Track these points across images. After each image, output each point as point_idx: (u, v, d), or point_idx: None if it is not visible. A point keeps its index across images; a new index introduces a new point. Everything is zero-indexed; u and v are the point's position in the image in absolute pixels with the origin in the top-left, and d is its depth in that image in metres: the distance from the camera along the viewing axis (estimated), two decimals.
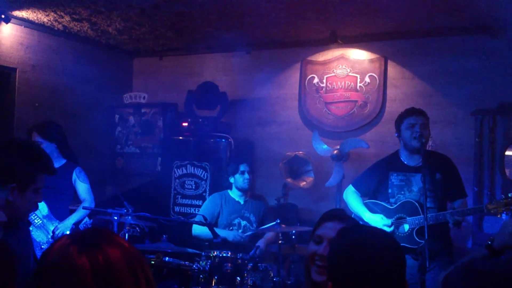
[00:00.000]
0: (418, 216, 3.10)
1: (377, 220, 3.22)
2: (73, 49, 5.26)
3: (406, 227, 3.15)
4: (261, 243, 3.91)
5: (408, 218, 3.16)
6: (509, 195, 2.87)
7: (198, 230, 4.01)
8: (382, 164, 3.41)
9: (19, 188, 1.90)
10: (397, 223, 3.19)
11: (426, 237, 2.84)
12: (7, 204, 1.89)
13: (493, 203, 2.92)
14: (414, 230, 3.11)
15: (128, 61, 6.17)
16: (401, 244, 3.00)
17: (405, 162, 3.29)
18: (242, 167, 4.14)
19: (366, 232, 1.40)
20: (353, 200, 3.44)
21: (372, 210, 3.32)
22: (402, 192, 3.25)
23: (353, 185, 3.50)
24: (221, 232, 3.87)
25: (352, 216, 3.00)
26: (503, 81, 4.40)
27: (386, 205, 3.27)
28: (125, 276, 1.01)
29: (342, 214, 1.79)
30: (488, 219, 4.35)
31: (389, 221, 3.19)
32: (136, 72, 6.24)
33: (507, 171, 4.47)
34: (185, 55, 5.84)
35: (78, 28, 4.96)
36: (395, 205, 3.23)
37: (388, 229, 3.17)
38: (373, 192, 3.43)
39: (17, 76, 4.65)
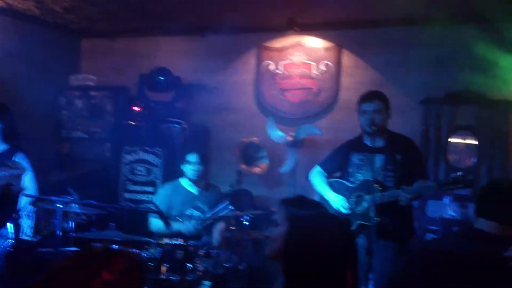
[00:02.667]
0: (374, 194, 3.15)
1: (336, 201, 3.30)
2: (17, 27, 4.95)
3: (365, 204, 3.21)
4: (214, 236, 3.84)
5: (365, 196, 3.22)
6: (458, 173, 3.00)
7: (156, 226, 3.87)
8: (346, 145, 3.50)
9: None
10: (358, 201, 3.26)
11: (375, 216, 2.94)
12: None
13: (442, 182, 3.04)
14: (371, 208, 3.14)
15: (76, 41, 5.89)
16: (359, 221, 3.14)
17: (366, 143, 3.36)
18: (189, 157, 3.97)
19: (317, 221, 1.38)
20: (316, 180, 3.51)
21: (335, 189, 3.38)
22: (361, 171, 3.31)
23: (319, 165, 3.58)
24: (176, 226, 3.76)
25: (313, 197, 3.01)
26: (450, 71, 4.53)
27: (348, 184, 3.35)
28: None
29: (298, 200, 1.77)
30: (431, 203, 4.49)
31: (347, 204, 3.26)
32: (84, 53, 5.97)
33: (450, 158, 4.65)
34: (138, 37, 5.64)
35: (23, 6, 4.70)
36: (356, 184, 3.31)
37: (345, 211, 3.24)
38: (338, 172, 3.52)
39: None
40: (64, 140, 5.61)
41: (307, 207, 1.70)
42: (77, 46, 5.93)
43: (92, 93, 5.52)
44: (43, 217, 4.44)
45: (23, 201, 3.47)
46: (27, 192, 3.48)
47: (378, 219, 3.00)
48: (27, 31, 5.07)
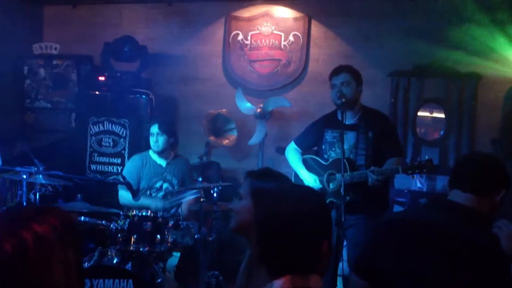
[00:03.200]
0: (345, 174, 3.16)
1: (309, 180, 3.29)
2: None
3: (335, 183, 3.22)
4: (182, 209, 3.84)
5: (337, 175, 3.21)
6: (422, 160, 3.02)
7: (124, 199, 3.83)
8: (320, 121, 3.45)
9: None
10: (329, 179, 3.26)
11: (343, 193, 2.95)
12: None
13: (408, 166, 3.06)
14: (342, 187, 3.15)
15: (38, 8, 5.66)
16: (330, 199, 3.18)
17: (340, 119, 3.26)
18: (151, 129, 3.91)
19: (293, 191, 1.38)
20: (292, 157, 3.47)
21: (309, 167, 3.36)
22: (333, 149, 3.28)
23: (294, 142, 3.53)
24: (144, 200, 3.73)
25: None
26: (418, 44, 4.56)
27: (321, 161, 3.33)
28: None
29: (263, 173, 1.77)
30: (398, 176, 4.59)
31: (319, 184, 3.26)
32: (47, 21, 5.74)
33: (418, 131, 4.75)
34: (102, 4, 5.46)
35: None
36: (328, 162, 3.29)
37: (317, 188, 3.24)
38: (312, 148, 3.50)
39: None
40: (28, 110, 5.47)
41: (272, 180, 1.70)
42: (40, 14, 5.69)
43: (56, 61, 5.36)
44: (8, 188, 4.37)
45: None
46: None
47: (348, 197, 3.01)
48: None
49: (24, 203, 3.23)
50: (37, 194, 3.55)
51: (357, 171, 3.12)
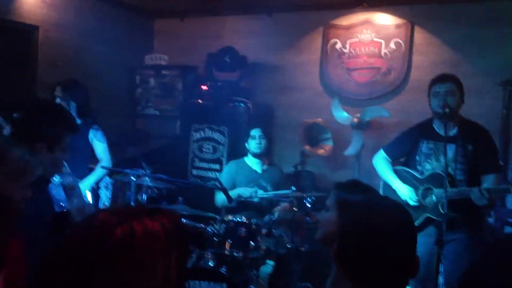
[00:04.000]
0: (446, 189, 3.00)
1: (405, 191, 3.17)
2: (95, 8, 5.20)
3: (434, 198, 3.09)
4: (276, 211, 3.90)
5: (435, 190, 3.09)
6: None
7: (220, 201, 4.01)
8: (415, 130, 3.33)
9: (48, 148, 2.00)
10: (425, 194, 3.14)
11: (446, 211, 2.79)
12: None
13: None
14: (440, 203, 3.01)
15: (150, 21, 6.11)
16: (427, 215, 3.06)
17: (437, 130, 3.17)
18: (253, 132, 4.04)
19: (378, 203, 1.35)
20: (382, 166, 3.37)
21: (402, 178, 3.25)
22: (429, 161, 3.16)
23: (384, 150, 3.43)
24: (237, 190, 3.86)
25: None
26: None
27: (416, 174, 3.20)
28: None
29: (351, 185, 1.75)
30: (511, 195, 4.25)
31: (415, 197, 3.14)
32: (157, 33, 6.17)
33: None
34: (206, 17, 5.74)
35: None
36: (425, 175, 3.16)
37: (413, 203, 3.13)
38: (404, 158, 3.38)
39: (39, 34, 4.63)
40: (139, 117, 5.90)
41: (359, 192, 1.68)
42: (151, 27, 6.14)
43: (164, 72, 5.73)
44: (120, 189, 4.74)
45: (100, 173, 3.69)
46: (102, 163, 3.71)
47: (449, 214, 2.82)
48: (105, 12, 5.32)
49: (132, 203, 3.47)
50: (144, 195, 3.82)
51: (460, 188, 2.95)
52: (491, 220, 4.00)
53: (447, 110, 2.99)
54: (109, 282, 0.92)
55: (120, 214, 1.00)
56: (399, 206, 1.35)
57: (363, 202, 1.38)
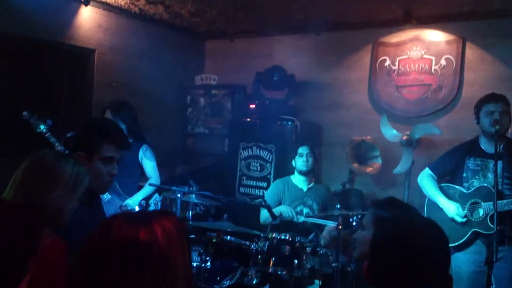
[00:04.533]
0: (494, 202, 2.97)
1: (451, 208, 3.18)
2: (148, 31, 5.43)
3: (481, 211, 3.09)
4: (322, 238, 3.86)
5: (483, 203, 3.09)
6: None
7: (264, 217, 4.03)
8: (461, 148, 3.38)
9: (86, 157, 2.03)
10: (472, 208, 3.13)
11: (496, 227, 2.76)
12: None
13: None
14: (488, 216, 3.03)
15: (201, 43, 6.29)
16: (474, 229, 3.00)
17: (483, 148, 3.22)
18: (300, 150, 4.07)
19: (410, 220, 1.33)
20: (428, 184, 3.40)
21: (447, 195, 3.27)
22: (477, 177, 3.17)
23: (429, 168, 3.48)
24: (279, 208, 3.87)
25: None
26: None
27: (462, 190, 3.21)
28: (112, 261, 1.03)
29: (388, 202, 1.72)
30: None
31: (462, 212, 3.13)
32: (208, 54, 6.34)
33: None
34: (255, 37, 5.84)
35: (153, 11, 5.11)
36: (471, 190, 3.17)
37: (460, 220, 3.13)
38: (449, 176, 3.40)
39: (95, 57, 4.89)
40: (189, 135, 6.05)
41: (396, 210, 1.65)
42: (202, 48, 6.33)
43: (214, 91, 5.87)
44: (168, 206, 4.86)
45: (148, 190, 3.81)
46: (151, 181, 3.83)
47: (498, 227, 2.82)
48: (158, 34, 5.55)
49: None
50: (190, 212, 3.90)
51: (509, 200, 2.95)
52: None
53: (497, 127, 3.04)
54: (142, 280, 1.01)
55: (135, 218, 1.07)
56: (433, 223, 1.32)
57: (396, 218, 1.36)
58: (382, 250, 1.27)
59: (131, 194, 3.79)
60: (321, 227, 3.98)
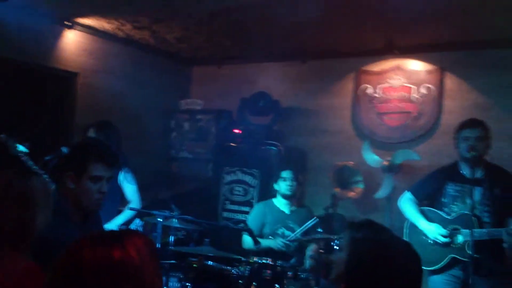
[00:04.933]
0: (474, 230, 3.00)
1: (433, 230, 3.21)
2: (134, 55, 5.48)
3: (461, 238, 3.11)
4: (307, 260, 3.86)
5: (462, 230, 3.11)
6: None
7: (247, 244, 4.02)
8: (441, 172, 3.41)
9: (75, 176, 2.07)
10: (452, 234, 3.16)
11: (473, 252, 2.80)
12: (69, 191, 2.08)
13: None
14: (467, 243, 3.03)
15: (187, 68, 6.36)
16: (453, 255, 3.00)
17: (463, 173, 3.25)
18: (283, 174, 4.10)
19: (382, 241, 1.36)
20: (408, 207, 3.42)
21: (428, 218, 3.29)
22: (456, 203, 3.21)
23: (410, 191, 3.50)
24: (265, 242, 3.87)
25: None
26: None
27: (443, 215, 3.24)
28: (88, 278, 1.04)
29: (364, 224, 1.75)
30: None
31: (444, 231, 3.16)
32: (195, 79, 6.41)
33: None
34: (242, 64, 5.93)
35: (140, 36, 5.16)
36: (452, 216, 3.19)
37: (443, 240, 3.14)
38: (429, 199, 3.42)
39: (79, 80, 4.89)
40: (173, 160, 6.05)
41: (372, 232, 1.68)
42: (188, 73, 6.39)
43: (199, 116, 5.91)
44: (150, 231, 4.82)
45: (128, 214, 3.78)
46: (131, 205, 3.80)
47: (476, 255, 2.86)
48: (144, 59, 5.60)
49: (158, 245, 3.51)
50: (171, 237, 3.87)
51: (490, 229, 2.95)
52: None
53: (473, 153, 3.09)
54: None
55: (107, 238, 1.09)
56: (407, 244, 1.35)
57: (371, 239, 1.39)
58: (356, 269, 1.30)
59: (111, 218, 3.75)
60: (302, 252, 3.98)
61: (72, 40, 4.79)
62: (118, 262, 1.05)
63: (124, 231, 1.16)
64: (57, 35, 4.67)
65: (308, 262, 3.82)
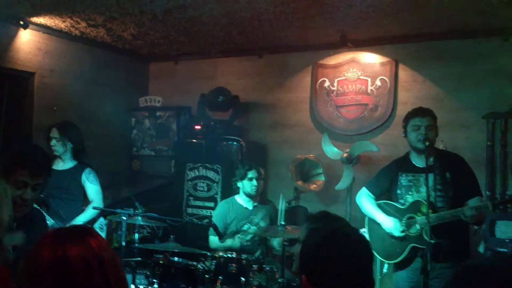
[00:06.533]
0: (428, 216, 3.05)
1: (389, 223, 3.22)
2: (90, 53, 5.40)
3: (417, 227, 3.13)
4: (274, 242, 3.94)
5: (417, 218, 3.14)
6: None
7: (214, 243, 4.05)
8: (393, 165, 3.41)
9: (5, 180, 1.95)
10: (409, 224, 3.18)
11: (430, 239, 2.83)
12: None
13: (498, 200, 2.91)
14: (424, 230, 3.07)
15: (145, 65, 6.30)
16: (412, 244, 3.09)
17: (414, 163, 3.26)
18: (250, 174, 4.12)
19: (335, 229, 1.44)
20: (365, 203, 3.44)
21: (385, 211, 3.31)
22: (410, 193, 3.22)
23: (366, 187, 3.50)
24: (228, 242, 3.92)
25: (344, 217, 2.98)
26: None
27: (398, 206, 3.26)
28: (79, 271, 1.10)
29: (320, 216, 1.82)
30: (500, 224, 4.27)
31: (400, 227, 3.18)
32: (152, 76, 6.36)
33: None
34: (199, 59, 5.93)
35: (95, 34, 5.08)
36: (406, 205, 3.22)
37: (398, 234, 3.17)
38: (386, 193, 3.43)
39: (35, 80, 4.79)
40: (135, 158, 5.99)
41: (328, 222, 1.75)
42: (146, 70, 6.34)
43: (159, 113, 5.88)
44: (114, 229, 4.78)
45: (91, 213, 3.75)
46: (93, 204, 3.77)
47: (433, 241, 2.87)
48: (100, 57, 5.52)
49: (123, 243, 3.51)
50: (136, 234, 3.87)
51: (441, 213, 3.01)
52: (481, 250, 4.02)
53: (427, 143, 3.09)
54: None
55: (64, 235, 1.15)
56: (358, 233, 1.43)
57: (324, 228, 1.46)
58: (312, 258, 1.36)
59: (74, 217, 3.72)
60: (267, 245, 4.06)
61: (27, 40, 4.68)
62: (97, 252, 1.13)
63: (82, 228, 1.23)
64: (12, 35, 4.55)
65: (276, 244, 3.89)
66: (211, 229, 3.97)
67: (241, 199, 4.20)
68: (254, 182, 4.12)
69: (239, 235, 4.07)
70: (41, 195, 3.72)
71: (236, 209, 4.16)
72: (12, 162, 2.06)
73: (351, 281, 1.28)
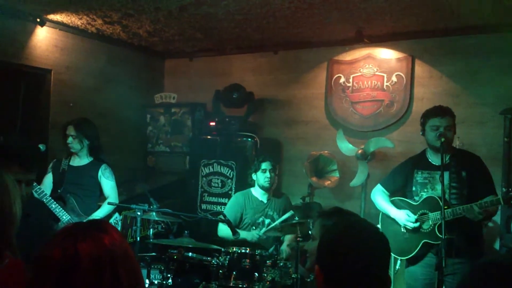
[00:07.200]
0: (439, 211, 3.05)
1: (402, 216, 3.22)
2: (106, 50, 5.44)
3: (430, 222, 3.14)
4: (284, 251, 3.92)
5: (430, 214, 3.14)
6: None
7: (223, 232, 4.06)
8: (409, 162, 3.42)
9: None
10: (421, 219, 3.19)
11: (444, 235, 2.81)
12: None
13: (509, 196, 2.89)
14: (436, 226, 3.08)
15: (160, 62, 6.34)
16: (424, 240, 3.07)
17: (430, 160, 3.27)
18: (263, 165, 4.14)
19: (351, 225, 1.42)
20: (379, 199, 3.44)
21: (398, 207, 3.32)
22: (425, 190, 3.22)
23: (381, 184, 3.51)
24: (241, 234, 3.92)
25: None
26: None
27: (411, 202, 3.27)
28: (88, 272, 1.10)
29: (334, 212, 1.81)
30: None
31: (413, 218, 3.18)
32: (168, 72, 6.39)
33: None
34: (214, 56, 5.94)
35: (111, 31, 5.13)
36: (419, 201, 3.23)
37: (412, 225, 3.17)
38: (400, 191, 3.44)
39: (52, 77, 4.85)
40: (150, 154, 6.03)
41: (341, 218, 1.74)
42: (161, 66, 6.37)
43: (174, 109, 5.90)
44: (129, 225, 4.82)
45: (107, 209, 3.79)
46: (109, 200, 3.81)
47: (446, 237, 2.83)
48: (116, 53, 5.56)
49: (138, 239, 3.54)
50: (151, 230, 3.89)
51: (454, 208, 3.01)
52: (496, 246, 3.97)
53: (443, 139, 3.08)
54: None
55: (77, 233, 1.16)
56: (374, 228, 1.41)
57: (339, 224, 1.44)
58: (328, 254, 1.34)
59: (91, 214, 3.75)
60: (280, 241, 4.05)
61: (43, 37, 4.74)
62: (109, 249, 1.13)
63: (98, 222, 1.21)
64: (29, 33, 4.61)
65: (284, 252, 3.89)
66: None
67: (256, 192, 4.21)
68: (267, 173, 4.13)
69: (253, 228, 4.08)
70: (58, 191, 3.80)
71: (252, 202, 4.18)
72: (2, 159, 2.09)
73: (367, 276, 1.26)
